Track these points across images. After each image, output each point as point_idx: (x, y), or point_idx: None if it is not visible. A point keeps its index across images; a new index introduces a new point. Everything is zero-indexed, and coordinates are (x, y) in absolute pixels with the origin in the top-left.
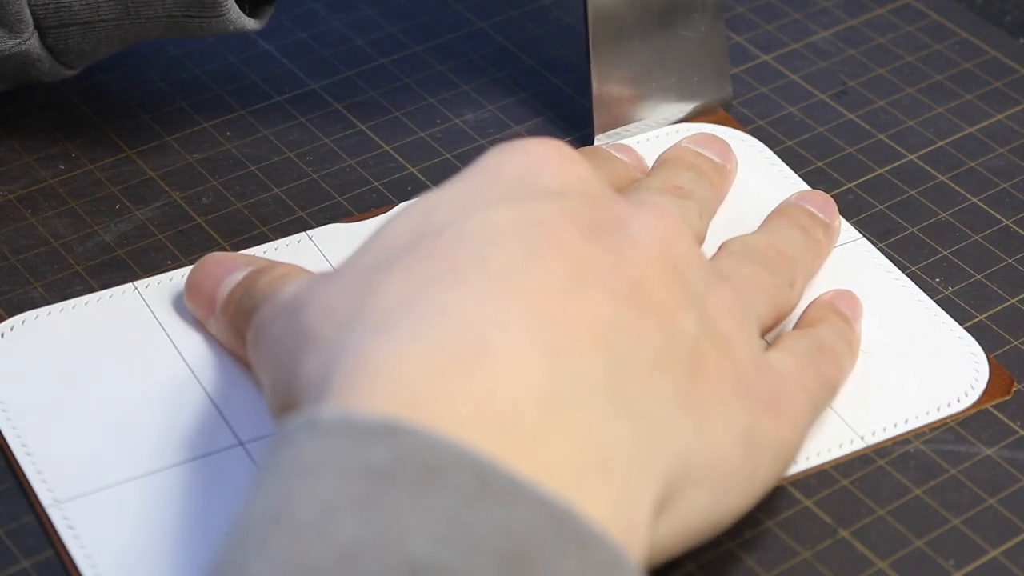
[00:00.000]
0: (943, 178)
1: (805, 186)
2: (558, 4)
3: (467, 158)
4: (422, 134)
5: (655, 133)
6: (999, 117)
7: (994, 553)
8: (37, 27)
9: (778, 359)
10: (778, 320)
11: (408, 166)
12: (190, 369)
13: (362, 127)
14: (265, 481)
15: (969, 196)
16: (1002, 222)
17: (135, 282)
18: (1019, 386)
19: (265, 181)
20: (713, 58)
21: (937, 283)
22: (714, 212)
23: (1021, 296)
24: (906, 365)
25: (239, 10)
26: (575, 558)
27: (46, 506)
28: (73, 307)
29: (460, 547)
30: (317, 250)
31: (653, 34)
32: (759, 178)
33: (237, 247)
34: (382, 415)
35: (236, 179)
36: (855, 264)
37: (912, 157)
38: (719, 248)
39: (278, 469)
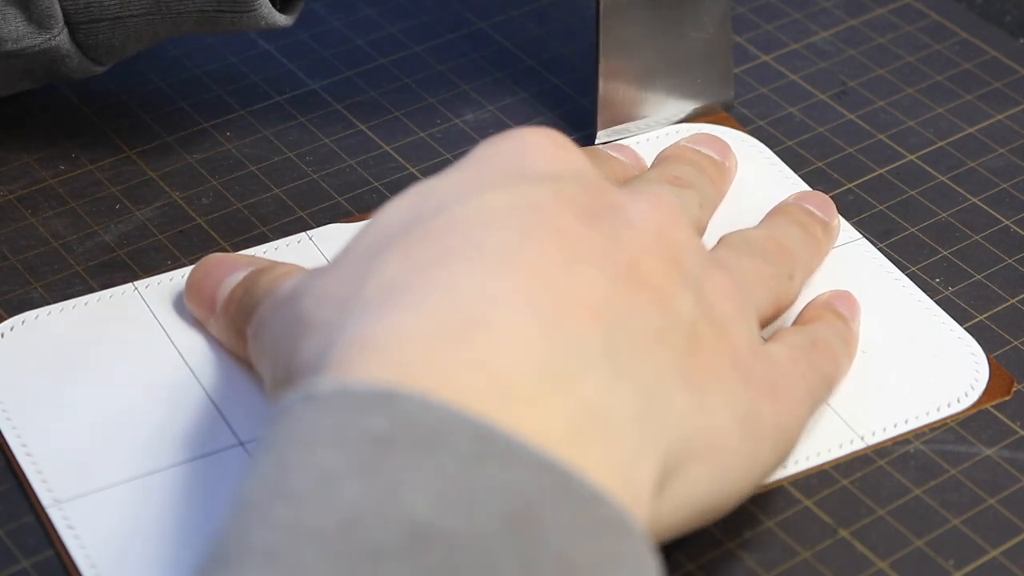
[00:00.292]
0: (943, 178)
1: (805, 186)
2: (558, 4)
3: None
4: (422, 134)
5: (655, 133)
6: (999, 117)
7: (994, 553)
8: (67, 22)
9: (775, 350)
10: (777, 311)
11: (408, 166)
12: (190, 369)
13: (362, 127)
14: (264, 454)
15: (969, 196)
16: (1002, 222)
17: (135, 282)
18: (1019, 386)
19: (265, 181)
20: (718, 60)
21: (937, 283)
22: (714, 206)
23: (1021, 296)
24: (906, 365)
25: (270, 5)
26: (577, 517)
27: (46, 506)
28: (73, 307)
29: (461, 508)
30: (317, 250)
31: (661, 33)
32: (759, 178)
33: (237, 247)
34: (379, 383)
35: (236, 179)
36: (855, 264)
37: (912, 157)
38: (718, 241)
39: (276, 442)
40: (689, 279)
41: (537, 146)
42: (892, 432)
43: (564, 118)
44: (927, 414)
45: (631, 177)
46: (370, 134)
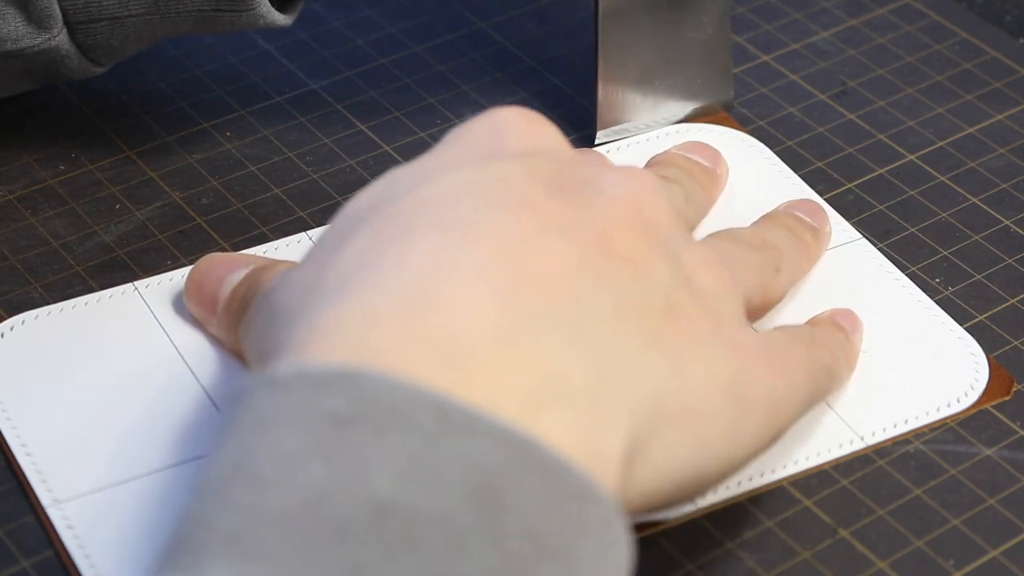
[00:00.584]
0: (943, 178)
1: (805, 186)
2: (558, 4)
3: None
4: (422, 134)
5: (655, 133)
6: (999, 117)
7: (994, 553)
8: (66, 23)
9: (771, 332)
10: (764, 301)
11: None
12: (190, 369)
13: (362, 127)
14: (225, 439)
15: (969, 196)
16: (1002, 222)
17: (135, 282)
18: (1019, 386)
19: (265, 181)
20: (718, 60)
21: (937, 283)
22: (703, 210)
23: (1021, 296)
24: (906, 365)
25: (269, 4)
26: (542, 487)
27: (46, 506)
28: (73, 307)
29: (425, 483)
30: None
31: (660, 34)
32: (759, 178)
33: (237, 247)
34: (338, 364)
35: (236, 179)
36: (855, 264)
37: (912, 157)
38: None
39: (237, 427)
40: (665, 249)
41: (510, 124)
42: (892, 432)
43: (564, 118)
44: (927, 414)
45: None
46: (370, 134)
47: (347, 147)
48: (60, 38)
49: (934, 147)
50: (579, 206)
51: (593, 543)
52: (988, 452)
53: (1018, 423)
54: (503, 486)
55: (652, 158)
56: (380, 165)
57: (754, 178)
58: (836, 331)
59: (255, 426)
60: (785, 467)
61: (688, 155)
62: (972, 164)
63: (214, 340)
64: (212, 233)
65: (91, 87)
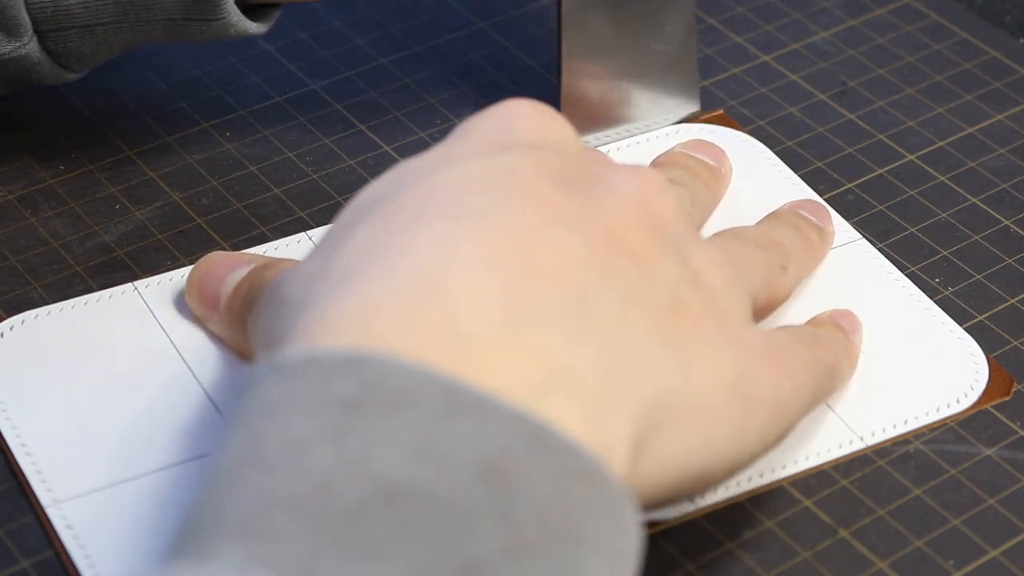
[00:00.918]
0: (943, 178)
1: (805, 187)
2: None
3: None
4: (422, 134)
5: (655, 134)
6: (999, 117)
7: (994, 553)
8: (36, 31)
9: (774, 331)
10: (771, 299)
11: None
12: (190, 369)
13: (362, 127)
14: (233, 426)
15: (969, 196)
16: (1002, 222)
17: (135, 282)
18: (1019, 386)
19: (265, 181)
20: (683, 73)
21: (937, 283)
22: (708, 210)
23: (1021, 296)
24: (906, 365)
25: (240, 13)
26: (551, 468)
27: (46, 506)
28: (73, 307)
29: (434, 464)
30: None
31: (625, 45)
32: (759, 178)
33: (237, 247)
34: (346, 349)
35: (236, 179)
36: (855, 264)
37: (912, 157)
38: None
39: (245, 414)
40: (672, 247)
41: (520, 116)
42: (892, 432)
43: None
44: (927, 414)
45: None
46: (370, 134)
47: (347, 147)
48: (31, 46)
49: (934, 147)
50: (587, 201)
51: (602, 524)
52: (988, 452)
53: (1018, 423)
54: (512, 467)
55: (657, 158)
56: (380, 165)
57: (754, 178)
58: (837, 331)
59: (263, 412)
60: (785, 467)
61: (693, 154)
62: (972, 164)
63: (214, 340)
64: (212, 233)
65: (91, 87)
